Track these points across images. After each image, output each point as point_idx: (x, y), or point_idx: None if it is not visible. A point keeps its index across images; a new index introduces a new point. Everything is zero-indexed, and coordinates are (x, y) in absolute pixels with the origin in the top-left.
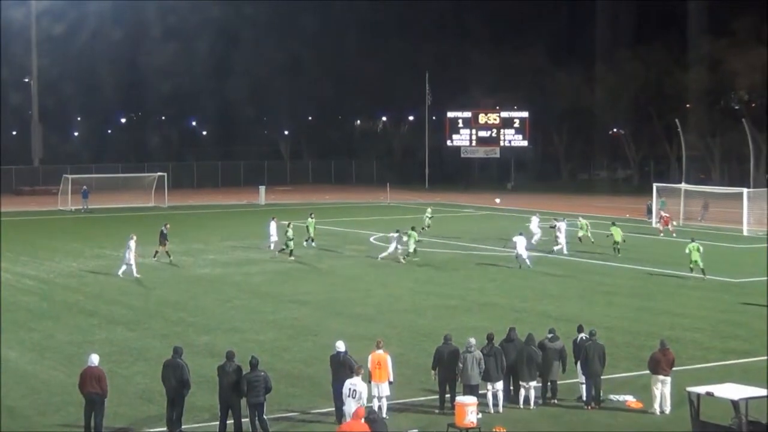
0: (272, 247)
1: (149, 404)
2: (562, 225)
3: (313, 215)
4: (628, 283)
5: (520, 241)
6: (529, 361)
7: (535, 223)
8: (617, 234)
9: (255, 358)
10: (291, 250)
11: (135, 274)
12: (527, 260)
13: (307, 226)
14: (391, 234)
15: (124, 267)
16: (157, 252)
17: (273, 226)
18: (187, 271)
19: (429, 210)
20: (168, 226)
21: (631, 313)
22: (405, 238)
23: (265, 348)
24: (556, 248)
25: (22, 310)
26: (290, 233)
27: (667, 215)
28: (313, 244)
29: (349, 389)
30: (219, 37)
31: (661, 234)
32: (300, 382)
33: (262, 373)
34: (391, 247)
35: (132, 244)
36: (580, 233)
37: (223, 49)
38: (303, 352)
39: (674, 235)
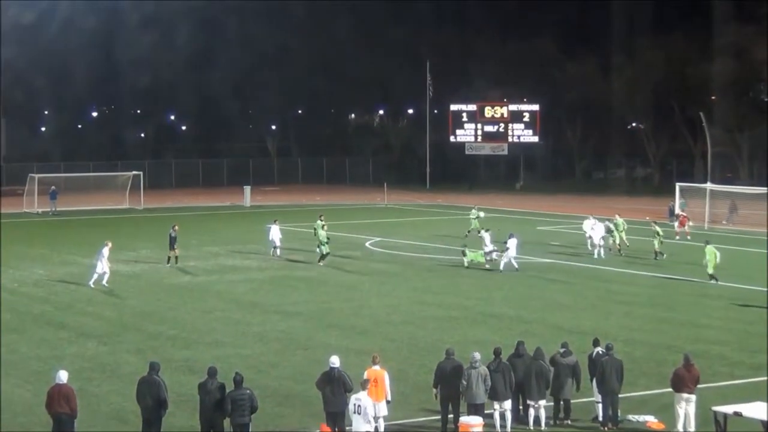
0: (277, 254)
1: (123, 425)
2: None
3: (322, 217)
4: (647, 291)
5: (513, 243)
6: (538, 377)
7: (588, 226)
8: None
9: (239, 374)
10: (323, 255)
11: (104, 283)
12: (514, 261)
13: (315, 229)
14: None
15: (95, 276)
16: (169, 258)
17: (275, 230)
18: (165, 279)
19: (474, 210)
20: (176, 228)
21: (650, 324)
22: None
23: (251, 363)
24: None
25: None
26: (322, 235)
27: (684, 214)
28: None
29: (355, 405)
30: (199, 25)
31: (677, 237)
32: (289, 401)
33: (248, 391)
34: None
35: (106, 251)
36: (611, 239)
37: (204, 37)
38: (292, 368)
39: (689, 237)
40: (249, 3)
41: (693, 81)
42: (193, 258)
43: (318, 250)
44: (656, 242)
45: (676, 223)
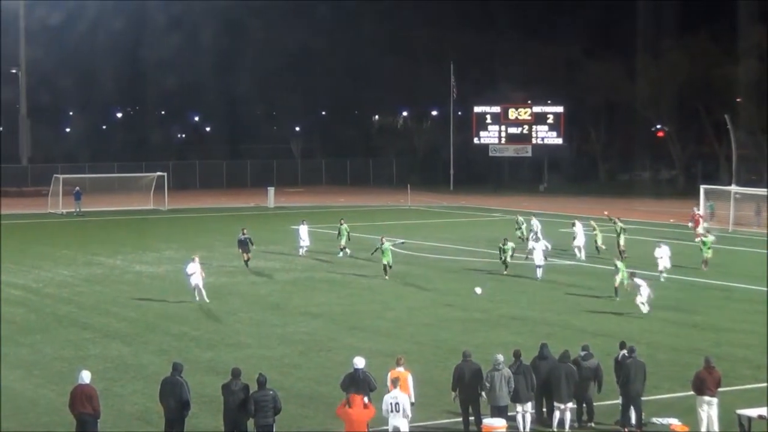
0: (303, 253)
1: (147, 426)
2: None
3: (344, 221)
4: (670, 294)
5: (538, 248)
6: (567, 379)
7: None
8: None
9: (263, 375)
10: (386, 266)
11: (204, 298)
12: (539, 270)
13: (339, 232)
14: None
15: (196, 291)
16: (246, 260)
17: (304, 230)
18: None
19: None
20: (245, 231)
21: (674, 327)
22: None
23: (274, 365)
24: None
25: (7, 323)
26: (386, 248)
27: (699, 214)
28: (340, 254)
29: (391, 403)
30: (225, 27)
31: (697, 239)
32: (312, 403)
33: (271, 392)
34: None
35: (194, 266)
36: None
37: (229, 39)
38: (315, 370)
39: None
40: (274, 4)
41: (718, 83)
42: (216, 259)
43: (340, 254)
44: (621, 239)
45: (691, 224)
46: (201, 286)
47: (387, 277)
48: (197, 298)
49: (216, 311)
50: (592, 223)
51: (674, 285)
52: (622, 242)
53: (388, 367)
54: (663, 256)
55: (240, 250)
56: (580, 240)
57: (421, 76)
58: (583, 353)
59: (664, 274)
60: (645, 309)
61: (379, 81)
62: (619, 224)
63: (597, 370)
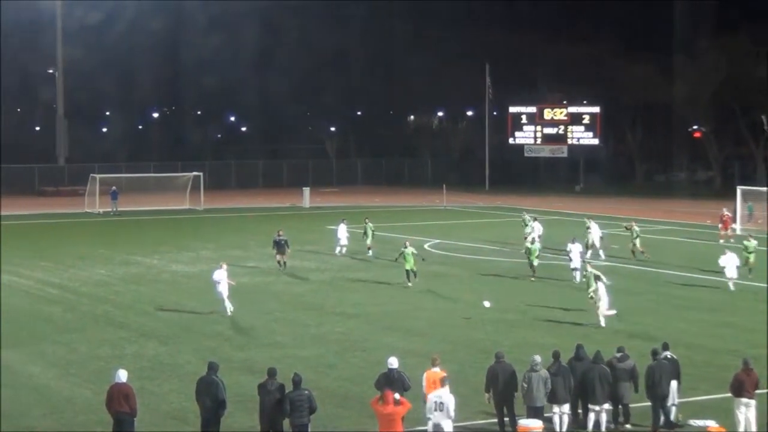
0: (342, 252)
1: (183, 425)
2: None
3: (368, 219)
4: (706, 295)
5: (575, 250)
6: (602, 381)
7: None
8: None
9: (298, 375)
10: (409, 271)
11: (228, 309)
12: (577, 274)
13: (364, 232)
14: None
15: (226, 303)
16: (279, 262)
17: (343, 229)
18: None
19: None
20: (281, 232)
21: (711, 329)
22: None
23: (309, 364)
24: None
25: (45, 321)
26: (408, 253)
27: (729, 215)
28: (370, 253)
29: (435, 402)
30: (262, 27)
31: (722, 241)
32: (347, 403)
33: (306, 392)
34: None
35: (222, 273)
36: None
37: (267, 39)
38: (350, 370)
39: (732, 240)
40: (310, 4)
41: (756, 83)
42: (252, 259)
43: (369, 252)
44: (633, 241)
45: (720, 225)
46: (226, 296)
47: (410, 284)
48: (228, 312)
49: (251, 311)
50: (634, 225)
51: (709, 285)
52: (638, 243)
53: (422, 366)
54: (729, 264)
55: (275, 252)
56: (595, 239)
57: (456, 76)
58: (618, 354)
59: (734, 281)
60: (604, 322)
61: (415, 81)
62: (636, 228)
63: (633, 371)
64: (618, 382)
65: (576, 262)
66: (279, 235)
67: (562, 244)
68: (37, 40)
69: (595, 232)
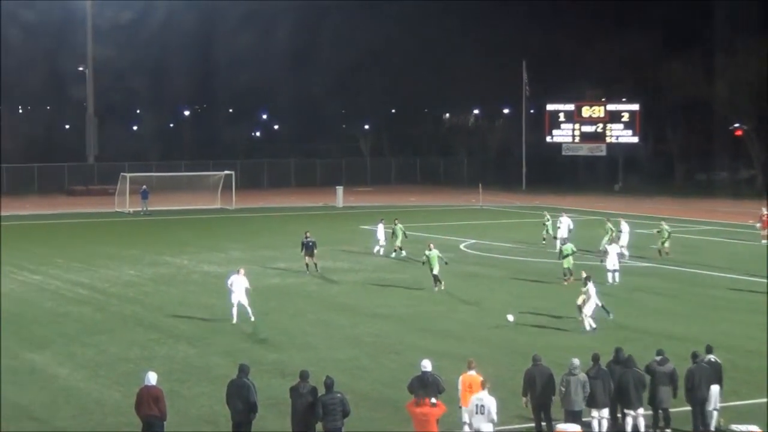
0: (381, 252)
1: (213, 428)
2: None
3: (398, 220)
4: (747, 297)
5: (612, 251)
6: (636, 385)
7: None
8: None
9: (330, 378)
10: (435, 278)
11: (250, 315)
12: (615, 276)
13: (393, 232)
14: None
15: (235, 312)
16: (307, 265)
17: (381, 229)
18: (256, 281)
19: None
20: (309, 234)
21: (753, 331)
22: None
23: (342, 367)
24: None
25: (74, 322)
26: (432, 256)
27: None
28: (403, 253)
29: (476, 405)
30: (296, 24)
31: (764, 241)
32: (381, 406)
33: (339, 395)
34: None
35: (239, 279)
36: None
37: (300, 37)
38: (384, 372)
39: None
40: (345, 3)
41: None
42: (284, 259)
43: (393, 254)
44: (663, 242)
45: (759, 224)
46: (246, 302)
47: (437, 289)
48: (234, 319)
49: (283, 312)
50: (663, 225)
51: (751, 287)
52: (667, 244)
53: (457, 369)
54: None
55: (303, 254)
56: (624, 239)
57: (492, 73)
58: (658, 358)
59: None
60: (588, 325)
61: (450, 78)
62: (666, 228)
63: (673, 375)
64: (658, 386)
65: (613, 264)
66: (307, 237)
67: (599, 244)
68: (68, 38)
69: (625, 232)
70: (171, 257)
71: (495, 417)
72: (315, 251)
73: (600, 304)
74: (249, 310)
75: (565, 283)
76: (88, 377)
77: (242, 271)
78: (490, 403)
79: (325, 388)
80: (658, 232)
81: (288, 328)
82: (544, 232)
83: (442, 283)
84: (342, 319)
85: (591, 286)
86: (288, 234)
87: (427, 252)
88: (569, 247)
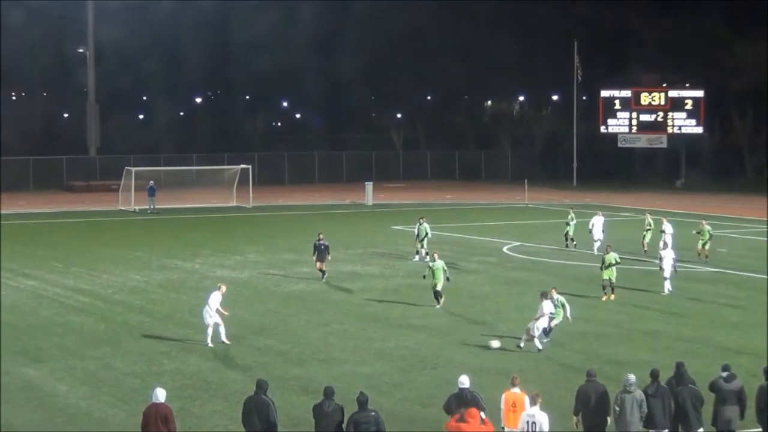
0: (423, 254)
1: None
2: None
3: (424, 219)
4: None
5: (668, 256)
6: (695, 402)
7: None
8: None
9: (364, 395)
10: (437, 294)
11: (223, 338)
12: (667, 282)
13: (417, 233)
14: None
15: (210, 333)
16: (321, 270)
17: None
18: (276, 287)
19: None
20: (322, 236)
21: None
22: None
23: (371, 383)
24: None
25: (74, 334)
26: (437, 268)
27: None
28: (420, 255)
29: (528, 422)
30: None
31: None
32: (414, 426)
33: (373, 414)
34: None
35: (217, 297)
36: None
37: (325, 18)
38: (419, 389)
39: None
40: None
41: None
42: (307, 264)
43: (416, 258)
44: (704, 244)
45: None
46: (221, 324)
47: (439, 306)
48: (209, 342)
49: (306, 322)
50: (704, 224)
51: None
52: (708, 246)
53: (499, 386)
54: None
55: (314, 258)
56: (667, 241)
57: (540, 56)
58: (724, 374)
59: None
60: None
61: (493, 62)
62: (707, 228)
63: (741, 393)
64: (724, 405)
65: (667, 271)
66: (320, 239)
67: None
68: (69, 17)
69: (668, 232)
70: (181, 261)
71: None
72: (328, 256)
73: (547, 327)
74: (223, 331)
75: (603, 299)
76: (90, 394)
77: (223, 288)
78: (543, 419)
79: (358, 405)
80: (698, 233)
81: (311, 339)
82: (569, 231)
83: (442, 298)
84: (371, 331)
85: (546, 305)
86: (311, 235)
87: (431, 263)
88: (613, 256)
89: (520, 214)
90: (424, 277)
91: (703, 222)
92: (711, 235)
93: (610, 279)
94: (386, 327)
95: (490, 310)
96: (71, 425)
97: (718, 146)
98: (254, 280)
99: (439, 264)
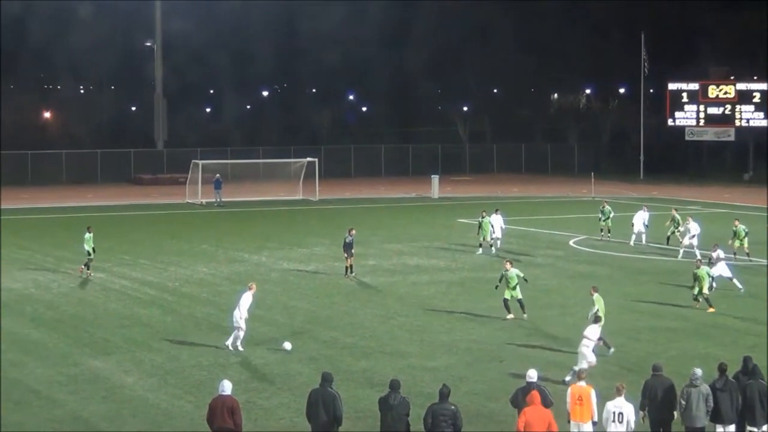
0: (498, 245)
1: None
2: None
3: (485, 213)
4: None
5: (720, 257)
6: (762, 398)
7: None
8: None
9: (447, 387)
10: (508, 300)
11: (238, 344)
12: (735, 281)
13: (480, 227)
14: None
15: (237, 333)
16: (347, 268)
17: (498, 220)
18: (342, 281)
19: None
20: (353, 232)
21: None
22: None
23: (437, 377)
24: None
25: (141, 326)
26: (512, 276)
27: None
28: (493, 250)
29: (614, 413)
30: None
31: None
32: (480, 420)
33: (453, 408)
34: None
35: (248, 298)
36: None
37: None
38: (484, 383)
39: None
40: None
41: None
42: (373, 256)
43: (479, 251)
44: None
45: None
46: (243, 329)
47: (509, 316)
48: (240, 346)
49: (372, 315)
50: (737, 223)
51: None
52: (746, 243)
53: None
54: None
55: (345, 254)
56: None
57: (607, 48)
58: None
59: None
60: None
61: (560, 55)
62: (741, 227)
63: None
64: None
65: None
66: (350, 235)
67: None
68: (137, 11)
69: (694, 231)
70: (248, 254)
71: (634, 425)
72: (353, 251)
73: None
74: (242, 335)
75: (710, 310)
76: (157, 386)
77: (254, 287)
78: (629, 410)
79: (439, 396)
80: (734, 232)
81: (377, 332)
82: (604, 222)
83: (524, 309)
84: (437, 323)
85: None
86: (379, 228)
87: (503, 271)
88: (705, 270)
89: (586, 208)
90: (497, 287)
91: (736, 221)
92: (746, 233)
93: (700, 293)
94: (452, 320)
95: (556, 303)
96: (138, 417)
97: None
98: (320, 273)
99: (513, 272)
